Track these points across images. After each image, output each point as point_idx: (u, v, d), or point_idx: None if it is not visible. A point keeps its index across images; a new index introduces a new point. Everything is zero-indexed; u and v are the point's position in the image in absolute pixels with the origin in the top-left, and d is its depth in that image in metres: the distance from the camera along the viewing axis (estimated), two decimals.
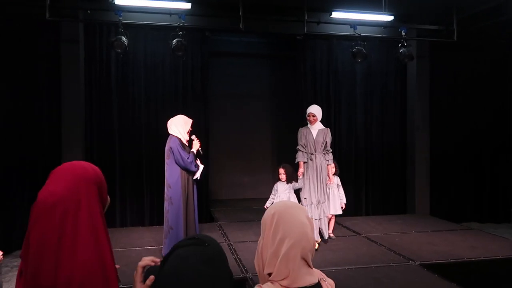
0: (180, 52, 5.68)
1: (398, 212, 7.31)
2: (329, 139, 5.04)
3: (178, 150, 4.22)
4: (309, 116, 4.99)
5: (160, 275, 1.08)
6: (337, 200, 5.34)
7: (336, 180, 5.41)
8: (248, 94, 8.22)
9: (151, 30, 6.40)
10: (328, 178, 5.06)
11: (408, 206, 7.36)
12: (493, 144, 7.68)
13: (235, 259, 4.49)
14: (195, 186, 4.48)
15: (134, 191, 6.46)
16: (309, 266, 1.26)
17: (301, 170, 5.00)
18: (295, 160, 5.10)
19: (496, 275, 4.47)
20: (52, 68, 5.99)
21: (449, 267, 4.36)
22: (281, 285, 1.21)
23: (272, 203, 4.65)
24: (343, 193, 5.48)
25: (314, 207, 4.92)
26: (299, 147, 5.05)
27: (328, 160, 5.02)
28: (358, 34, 6.36)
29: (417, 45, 7.05)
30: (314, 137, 4.94)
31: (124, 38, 5.45)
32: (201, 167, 4.46)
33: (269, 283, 1.23)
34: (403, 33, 6.40)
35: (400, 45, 6.39)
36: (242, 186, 8.47)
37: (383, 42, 7.16)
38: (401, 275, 4.07)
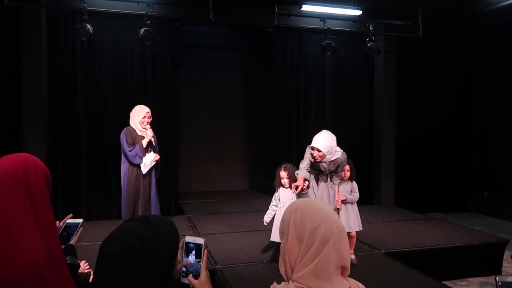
0: (148, 42, 5.56)
1: (364, 203, 7.47)
2: (341, 168, 4.02)
3: (122, 141, 4.05)
4: (313, 149, 3.79)
5: (104, 241, 1.13)
6: (352, 214, 4.26)
7: (350, 186, 4.29)
8: (219, 86, 8.16)
9: (118, 19, 6.22)
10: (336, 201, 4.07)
11: (374, 198, 7.56)
12: (454, 137, 8.01)
13: None
14: (153, 179, 4.22)
15: (100, 184, 6.31)
16: (343, 275, 1.12)
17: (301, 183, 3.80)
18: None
19: (455, 261, 4.68)
20: (13, 57, 5.72)
21: (412, 255, 4.52)
22: (296, 285, 1.10)
23: (274, 215, 3.96)
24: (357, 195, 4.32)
25: None
26: (305, 165, 3.93)
27: (334, 181, 4.07)
28: (328, 27, 6.44)
29: (384, 40, 7.21)
30: (323, 167, 3.94)
31: (89, 25, 5.28)
32: (148, 160, 4.09)
33: (284, 283, 1.14)
34: (371, 28, 6.53)
35: (368, 39, 6.52)
36: (213, 178, 8.45)
37: (352, 36, 7.27)
38: (366, 263, 4.18)
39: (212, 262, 4.14)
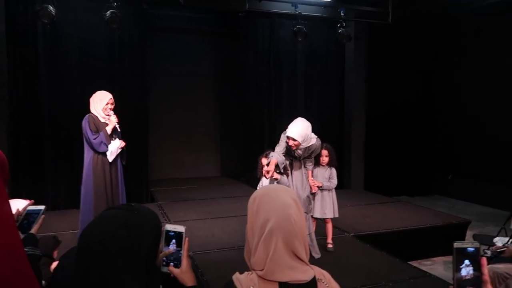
0: (115, 25, 5.37)
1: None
2: (315, 154, 3.98)
3: (85, 129, 3.86)
4: (288, 138, 3.72)
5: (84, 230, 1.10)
6: (328, 200, 4.21)
7: (329, 173, 4.22)
8: (189, 71, 8.01)
9: (83, 1, 5.96)
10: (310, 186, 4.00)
11: (344, 182, 7.71)
12: (421, 122, 8.24)
13: None
14: (119, 166, 4.04)
15: (68, 172, 6.11)
16: (300, 259, 1.11)
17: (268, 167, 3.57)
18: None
19: (421, 242, 4.86)
20: None
21: (380, 237, 4.66)
22: (258, 275, 1.11)
23: None
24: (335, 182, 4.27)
25: None
26: (280, 149, 3.80)
27: (308, 166, 4.00)
28: (299, 13, 6.41)
29: (355, 26, 7.26)
30: (297, 153, 3.90)
31: (51, 7, 5.03)
32: (114, 147, 3.92)
33: (247, 272, 1.15)
34: (342, 14, 6.55)
35: (338, 25, 6.54)
36: (185, 165, 8.37)
37: (323, 22, 7.28)
38: (336, 246, 4.27)
39: None
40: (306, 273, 1.11)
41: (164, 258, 1.29)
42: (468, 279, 1.06)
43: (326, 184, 4.16)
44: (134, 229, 1.06)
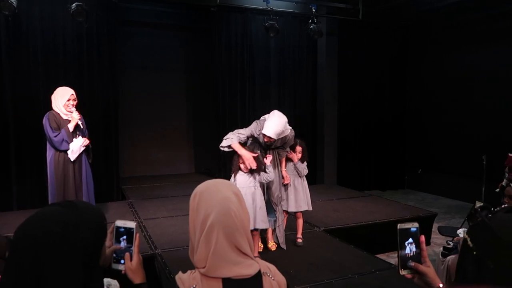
0: (81, 18, 5.22)
1: (308, 183, 7.65)
2: (287, 145, 3.95)
3: (45, 126, 3.78)
4: (264, 135, 3.66)
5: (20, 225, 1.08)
6: (301, 192, 4.18)
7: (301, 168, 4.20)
8: (161, 66, 7.89)
9: None
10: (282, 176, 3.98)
11: (317, 177, 7.78)
12: (392, 117, 8.39)
13: (144, 236, 4.38)
14: (84, 165, 3.96)
15: (33, 171, 5.92)
16: (244, 253, 1.09)
17: (246, 156, 3.54)
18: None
19: (389, 235, 4.94)
20: None
21: (349, 231, 4.73)
22: (201, 273, 1.09)
23: None
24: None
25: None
26: (240, 135, 3.72)
27: (281, 154, 3.96)
28: (271, 8, 6.40)
29: (327, 22, 7.31)
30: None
31: None
32: (76, 145, 3.82)
33: (190, 271, 1.13)
34: (314, 10, 6.59)
35: (310, 21, 6.58)
36: (157, 162, 8.25)
37: (296, 17, 7.30)
38: (306, 241, 4.30)
39: (152, 247, 4.06)
40: (251, 267, 1.10)
41: (114, 255, 1.27)
42: (411, 255, 1.20)
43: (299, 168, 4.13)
44: (70, 226, 1.04)
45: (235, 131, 3.78)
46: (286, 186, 4.13)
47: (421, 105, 8.34)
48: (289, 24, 7.34)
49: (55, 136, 3.71)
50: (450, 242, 3.75)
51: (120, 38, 6.71)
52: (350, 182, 7.65)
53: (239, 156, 3.60)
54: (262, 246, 4.11)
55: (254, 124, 3.82)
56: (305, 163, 4.25)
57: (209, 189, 1.14)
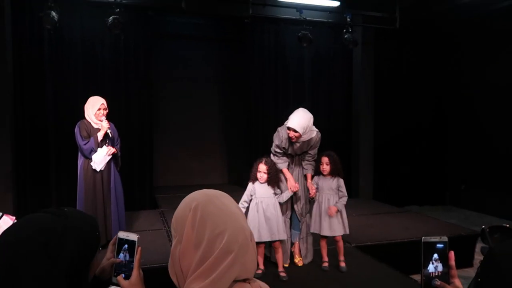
0: (117, 31, 5.38)
1: None
2: (314, 150, 3.83)
3: (76, 135, 3.87)
4: (289, 129, 3.62)
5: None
6: (336, 216, 3.81)
7: (336, 184, 3.86)
8: (195, 77, 8.00)
9: (89, 6, 6.01)
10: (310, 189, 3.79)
11: (352, 191, 7.51)
12: (432, 130, 8.01)
13: (171, 245, 4.36)
14: (113, 173, 4.00)
15: (70, 178, 6.09)
16: (246, 281, 0.95)
17: (292, 182, 3.66)
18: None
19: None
20: None
21: (382, 248, 4.48)
22: None
23: (246, 211, 3.61)
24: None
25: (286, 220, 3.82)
26: (275, 152, 3.80)
27: (305, 168, 3.87)
28: (304, 18, 6.33)
29: (362, 31, 7.13)
30: (295, 148, 3.79)
31: (54, 13, 5.06)
32: (98, 157, 3.86)
33: None
34: (348, 19, 6.44)
35: (344, 30, 6.43)
36: (191, 172, 8.31)
37: (331, 27, 7.17)
38: (336, 257, 4.11)
39: None
40: None
41: (115, 268, 1.21)
42: (437, 275, 1.04)
43: (339, 205, 3.82)
44: (55, 235, 0.98)
45: (273, 149, 3.81)
46: (312, 198, 3.88)
47: (463, 116, 7.89)
48: (323, 34, 7.22)
49: (85, 144, 3.80)
50: None
51: (155, 49, 6.88)
52: (387, 197, 7.31)
53: (257, 165, 3.61)
54: (288, 262, 3.98)
55: (275, 135, 3.79)
56: (338, 179, 3.83)
57: (213, 202, 0.98)
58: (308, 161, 3.88)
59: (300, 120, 3.56)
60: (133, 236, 1.23)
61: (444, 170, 8.18)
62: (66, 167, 6.11)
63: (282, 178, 3.76)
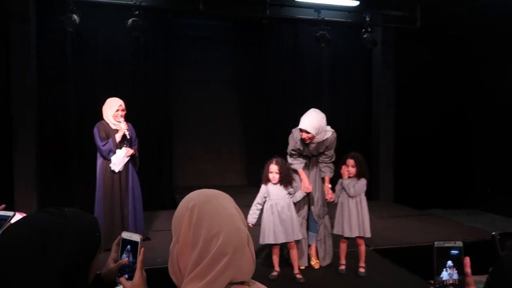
0: (136, 33, 5.46)
1: None
2: (331, 150, 3.78)
3: (95, 136, 3.93)
4: (301, 131, 3.61)
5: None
6: (354, 215, 3.75)
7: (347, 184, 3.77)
8: (213, 79, 8.04)
9: (110, 10, 6.13)
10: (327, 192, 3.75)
11: (372, 193, 7.38)
12: (455, 131, 7.77)
13: None
14: (131, 173, 4.04)
15: (93, 177, 6.23)
16: (243, 283, 0.94)
17: (306, 183, 3.67)
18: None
19: None
20: None
21: (401, 252, 4.37)
22: None
23: (259, 213, 3.63)
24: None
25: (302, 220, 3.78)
26: (291, 153, 3.80)
27: (323, 171, 3.82)
28: (322, 18, 6.27)
29: (382, 31, 7.01)
30: (311, 149, 3.76)
31: (75, 16, 5.19)
32: (117, 158, 3.91)
33: None
34: (367, 19, 6.34)
35: (364, 30, 6.33)
36: (210, 173, 8.34)
37: (350, 27, 7.08)
38: (354, 261, 4.03)
39: None
40: None
41: (119, 269, 1.21)
42: (451, 283, 0.97)
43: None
44: (54, 235, 0.96)
45: (289, 150, 3.79)
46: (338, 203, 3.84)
47: (487, 117, 7.63)
48: (342, 34, 7.13)
49: (103, 146, 3.86)
50: None
51: (174, 51, 6.95)
52: (408, 199, 7.15)
53: (269, 166, 3.59)
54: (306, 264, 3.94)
55: (290, 136, 3.78)
56: (362, 180, 3.74)
57: (210, 202, 0.98)
58: (326, 162, 3.83)
59: (312, 120, 3.54)
60: (136, 237, 1.22)
61: (468, 173, 7.94)
62: (88, 167, 6.20)
63: (296, 178, 3.73)
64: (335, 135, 3.74)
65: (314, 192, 3.80)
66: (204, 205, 0.96)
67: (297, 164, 3.74)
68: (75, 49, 6.12)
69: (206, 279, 0.89)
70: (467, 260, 0.98)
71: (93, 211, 6.05)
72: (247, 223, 3.56)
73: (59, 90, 6.06)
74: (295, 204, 3.67)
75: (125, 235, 1.24)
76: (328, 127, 3.72)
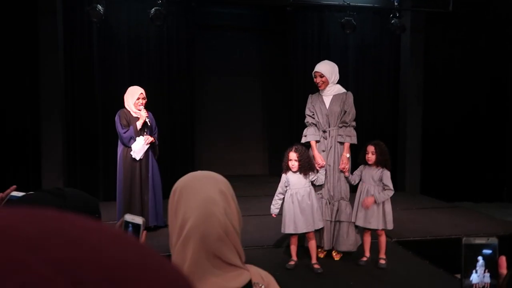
0: (159, 22, 5.49)
1: None
2: (349, 107, 3.68)
3: (116, 123, 3.99)
4: (315, 77, 3.70)
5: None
6: (375, 207, 3.57)
7: (379, 175, 3.58)
8: (237, 68, 8.00)
9: (134, 1, 6.19)
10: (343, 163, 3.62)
11: (397, 184, 7.16)
12: (488, 121, 7.40)
13: None
14: (151, 161, 4.07)
15: (115, 164, 6.36)
16: (229, 263, 0.91)
17: (318, 159, 3.59)
18: (301, 138, 3.81)
19: None
20: (29, 41, 5.80)
21: (426, 244, 4.24)
22: None
23: (281, 204, 3.62)
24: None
25: (325, 204, 3.68)
26: (307, 119, 3.81)
27: (342, 135, 3.65)
28: (348, 4, 6.09)
29: (411, 16, 6.73)
30: (328, 106, 3.70)
31: (100, 6, 5.26)
32: (137, 146, 3.93)
33: None
34: (396, 3, 6.11)
35: (391, 15, 6.11)
36: (233, 162, 8.36)
37: (377, 13, 6.85)
38: (374, 251, 3.93)
39: None
40: (238, 278, 0.91)
41: None
42: (482, 286, 0.82)
43: (378, 196, 3.55)
44: None
45: (306, 120, 3.88)
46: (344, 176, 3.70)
47: None
48: (369, 20, 6.91)
49: (124, 133, 3.92)
50: None
51: (197, 40, 6.94)
52: (436, 191, 6.91)
53: (288, 154, 3.56)
54: (325, 253, 3.87)
55: (307, 101, 3.90)
56: (383, 170, 3.55)
57: (192, 186, 0.95)
58: (345, 124, 3.68)
59: (324, 64, 3.71)
60: (138, 220, 1.21)
61: (502, 165, 7.57)
62: (113, 155, 6.37)
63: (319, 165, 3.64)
64: (352, 97, 3.75)
65: (330, 170, 3.65)
66: (183, 189, 0.94)
67: (310, 135, 3.69)
68: (101, 40, 6.22)
69: (187, 262, 0.88)
70: (502, 260, 0.83)
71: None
72: (272, 214, 3.64)
73: (85, 81, 6.19)
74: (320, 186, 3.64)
75: (128, 217, 1.23)
76: (341, 87, 3.81)
